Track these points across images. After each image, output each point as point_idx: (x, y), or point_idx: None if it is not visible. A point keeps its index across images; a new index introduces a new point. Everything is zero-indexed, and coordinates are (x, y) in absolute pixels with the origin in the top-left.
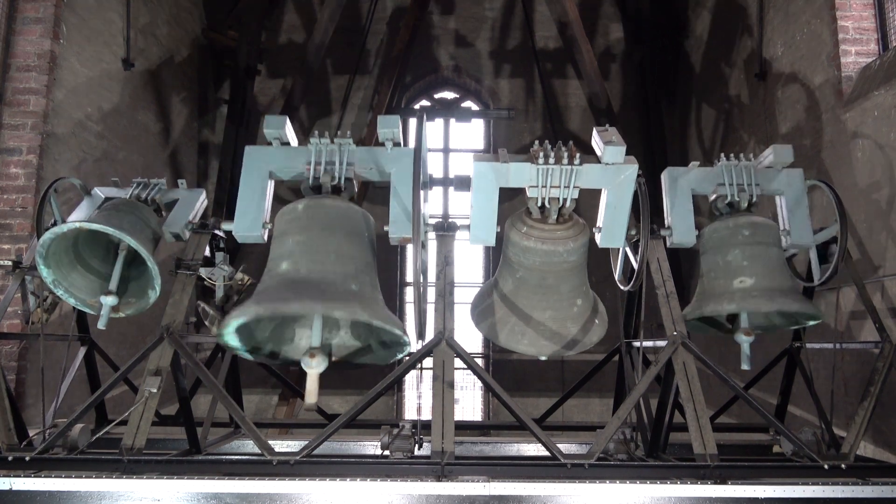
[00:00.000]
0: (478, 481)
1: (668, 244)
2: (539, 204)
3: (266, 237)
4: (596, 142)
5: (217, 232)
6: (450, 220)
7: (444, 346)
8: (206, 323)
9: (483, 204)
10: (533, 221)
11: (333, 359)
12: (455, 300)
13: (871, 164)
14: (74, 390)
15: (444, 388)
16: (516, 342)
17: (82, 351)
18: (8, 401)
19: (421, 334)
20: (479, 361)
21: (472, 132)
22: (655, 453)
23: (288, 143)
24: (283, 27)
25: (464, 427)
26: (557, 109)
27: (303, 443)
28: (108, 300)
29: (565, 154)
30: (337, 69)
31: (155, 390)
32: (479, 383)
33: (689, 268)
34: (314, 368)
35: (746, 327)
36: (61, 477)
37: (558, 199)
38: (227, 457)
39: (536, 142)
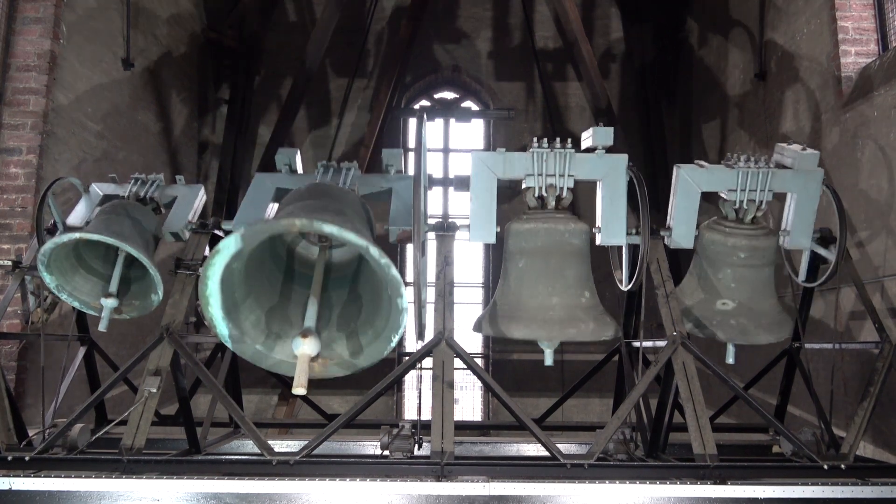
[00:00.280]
0: (477, 481)
1: (666, 244)
2: (537, 195)
3: None
4: (584, 137)
5: (217, 232)
6: (449, 220)
7: (443, 346)
8: (206, 322)
9: (482, 197)
10: (532, 210)
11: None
12: (455, 300)
13: (870, 164)
14: (74, 390)
15: (443, 388)
16: (526, 329)
17: (82, 351)
18: (8, 401)
19: (421, 334)
20: (479, 361)
21: (472, 132)
22: (655, 453)
23: (296, 171)
24: (283, 27)
25: (463, 427)
26: (557, 109)
27: (302, 443)
28: (109, 302)
29: (558, 143)
30: (337, 69)
31: (154, 390)
32: (478, 383)
33: (688, 266)
34: (305, 350)
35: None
36: (61, 477)
37: (555, 187)
38: (227, 457)
39: (535, 139)
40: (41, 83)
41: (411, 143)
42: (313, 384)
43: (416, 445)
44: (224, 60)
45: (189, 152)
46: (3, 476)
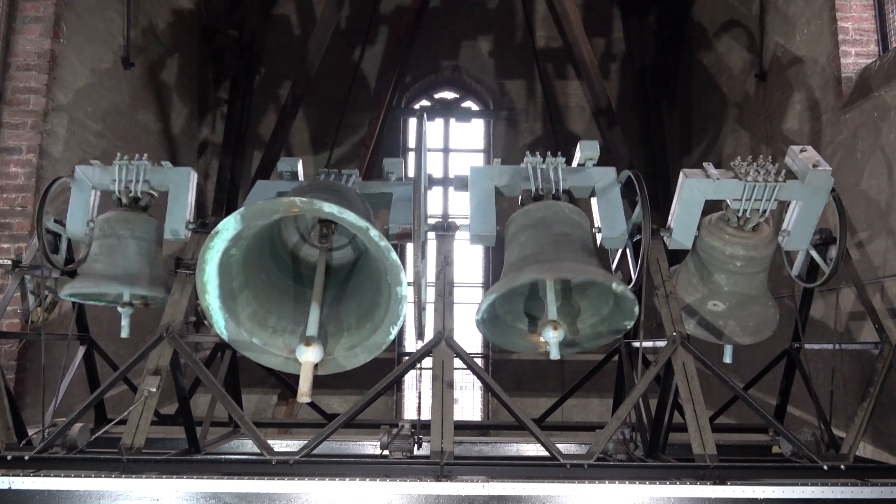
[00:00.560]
0: (477, 481)
1: (666, 244)
2: (533, 195)
3: None
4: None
5: None
6: (449, 219)
7: (443, 346)
8: (206, 322)
9: (479, 196)
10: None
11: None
12: (455, 300)
13: (870, 164)
14: (74, 389)
15: (443, 388)
16: (535, 273)
17: (82, 350)
18: (7, 400)
19: (420, 334)
20: (479, 361)
21: (472, 132)
22: (655, 454)
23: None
24: (283, 27)
25: (463, 427)
26: (557, 109)
27: (302, 442)
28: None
29: (550, 156)
30: (337, 69)
31: (154, 390)
32: (478, 383)
33: None
34: (309, 357)
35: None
36: (60, 476)
37: (551, 188)
38: (227, 456)
39: (528, 153)
40: (41, 82)
41: (411, 143)
42: (313, 383)
43: (416, 445)
44: (224, 60)
45: (189, 152)
46: (3, 475)
